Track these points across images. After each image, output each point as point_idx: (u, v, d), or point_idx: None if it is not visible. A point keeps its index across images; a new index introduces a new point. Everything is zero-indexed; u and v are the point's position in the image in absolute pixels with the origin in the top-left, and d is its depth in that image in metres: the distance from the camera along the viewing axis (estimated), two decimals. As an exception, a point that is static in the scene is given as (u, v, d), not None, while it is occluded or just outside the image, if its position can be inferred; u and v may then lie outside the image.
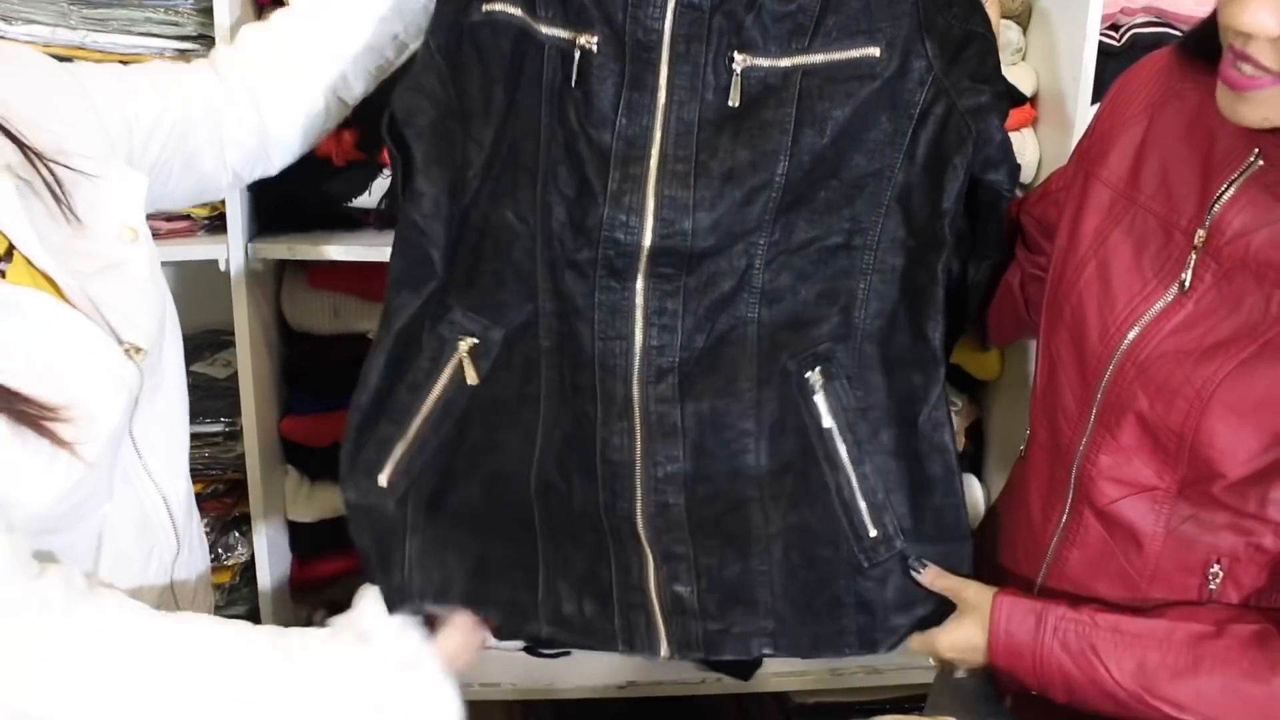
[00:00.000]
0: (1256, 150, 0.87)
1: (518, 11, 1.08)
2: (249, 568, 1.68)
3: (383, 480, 1.01)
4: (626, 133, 1.07)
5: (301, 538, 1.76)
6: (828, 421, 1.06)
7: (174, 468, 1.06)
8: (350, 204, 1.57)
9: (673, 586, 1.00)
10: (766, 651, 1.03)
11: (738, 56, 1.06)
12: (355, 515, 1.01)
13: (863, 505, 1.05)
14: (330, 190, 1.55)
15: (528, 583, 1.00)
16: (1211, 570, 0.94)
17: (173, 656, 0.89)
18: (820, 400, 1.06)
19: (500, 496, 1.06)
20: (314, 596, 1.79)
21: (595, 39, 1.06)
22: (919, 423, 1.07)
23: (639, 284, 1.07)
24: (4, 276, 0.89)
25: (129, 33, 1.41)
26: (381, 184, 1.54)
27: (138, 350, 0.95)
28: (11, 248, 0.90)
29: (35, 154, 0.92)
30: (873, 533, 1.04)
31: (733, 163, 1.06)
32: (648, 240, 1.05)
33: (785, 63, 1.07)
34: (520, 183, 1.09)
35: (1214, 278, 0.90)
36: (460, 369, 1.07)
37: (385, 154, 1.52)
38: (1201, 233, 0.90)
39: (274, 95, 1.13)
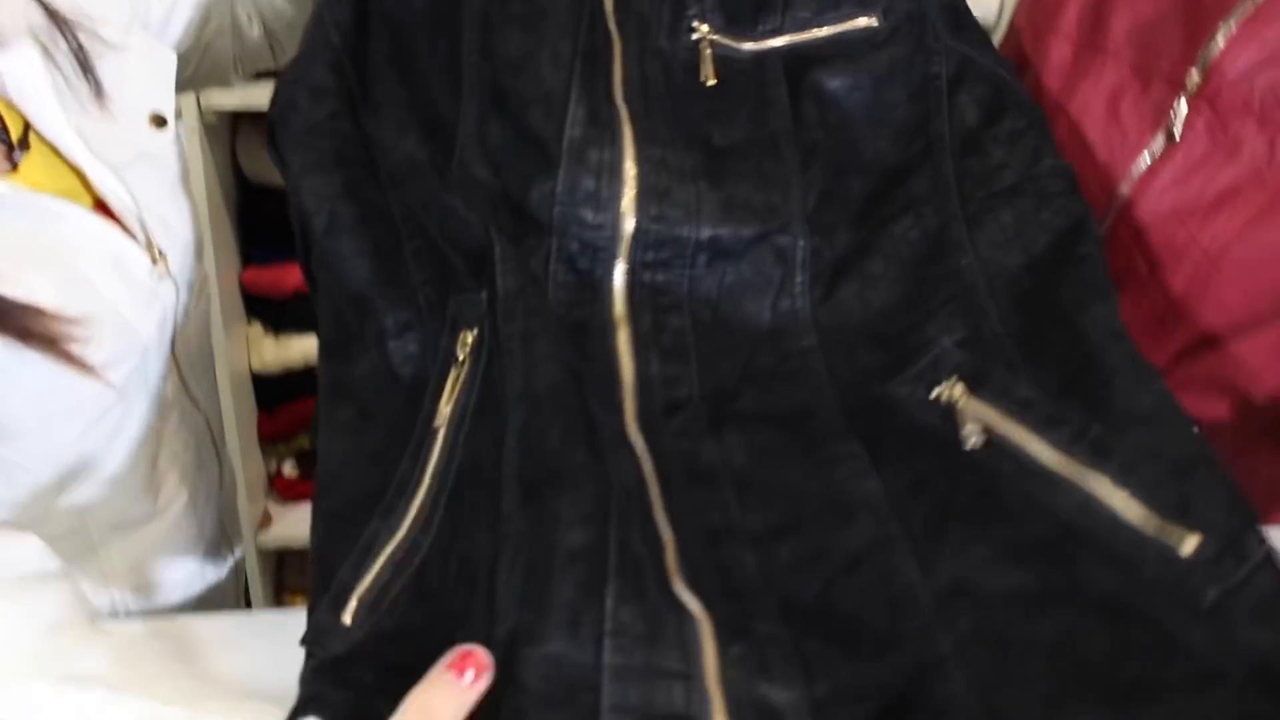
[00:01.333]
0: None
1: None
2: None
3: (346, 617, 0.58)
4: (594, 57, 0.77)
5: (267, 389, 1.78)
6: (1006, 433, 0.62)
7: (212, 387, 0.96)
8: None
9: (758, 687, 0.52)
10: None
11: (696, 23, 0.81)
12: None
13: (1140, 517, 0.57)
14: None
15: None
16: None
17: None
18: (981, 408, 0.64)
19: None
20: (281, 446, 1.83)
21: None
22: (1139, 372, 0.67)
23: (617, 281, 0.72)
24: (16, 169, 0.73)
25: None
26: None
27: (163, 256, 0.79)
28: (28, 130, 0.75)
29: (59, 17, 0.76)
30: (1186, 548, 0.55)
31: (726, 141, 0.77)
32: (630, 222, 0.71)
33: (755, 46, 0.82)
34: (445, 149, 0.76)
35: (1206, 124, 0.85)
36: (456, 393, 0.65)
37: None
38: (1195, 74, 0.85)
39: None
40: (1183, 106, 0.86)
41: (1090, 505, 0.58)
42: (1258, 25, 0.84)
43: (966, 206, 0.77)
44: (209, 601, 1.00)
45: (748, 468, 0.63)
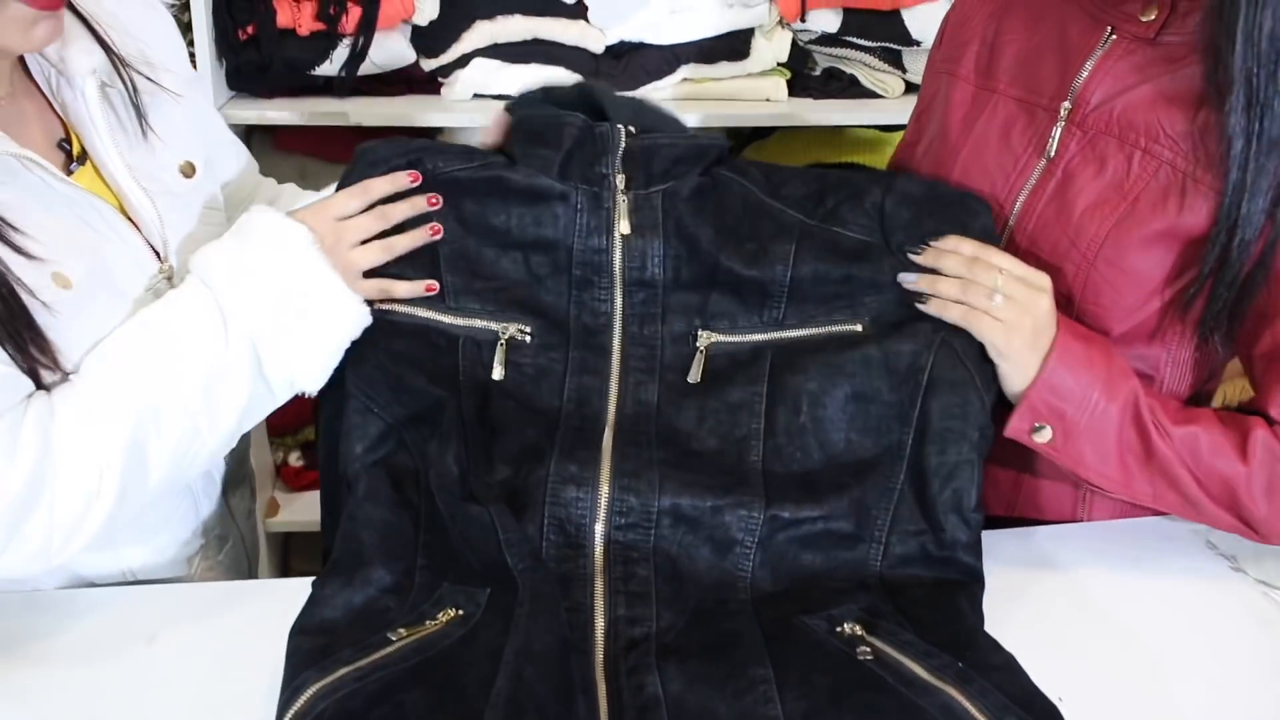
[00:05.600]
0: (1110, 28, 0.98)
1: (417, 310, 0.98)
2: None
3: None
4: (574, 421, 0.95)
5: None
6: (891, 654, 0.81)
7: None
8: (313, 71, 1.66)
9: None
10: None
11: (702, 333, 0.98)
12: None
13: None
14: (294, 59, 1.64)
15: None
16: None
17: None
18: (873, 640, 0.83)
19: None
20: (288, 439, 1.93)
21: (529, 329, 0.98)
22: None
23: (596, 542, 0.89)
24: (70, 176, 0.87)
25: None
26: (341, 52, 1.64)
27: (170, 265, 0.93)
28: (84, 153, 0.89)
29: (119, 59, 0.90)
30: None
31: (701, 448, 0.94)
32: (601, 526, 0.89)
33: (755, 338, 0.98)
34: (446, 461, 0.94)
35: (1078, 145, 0.98)
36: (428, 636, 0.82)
37: (343, 25, 1.62)
38: (1067, 105, 0.99)
39: None
40: (1058, 131, 1.00)
41: (951, 707, 0.76)
42: (1110, 61, 0.98)
43: (890, 536, 0.92)
44: None
45: (681, 694, 0.80)
